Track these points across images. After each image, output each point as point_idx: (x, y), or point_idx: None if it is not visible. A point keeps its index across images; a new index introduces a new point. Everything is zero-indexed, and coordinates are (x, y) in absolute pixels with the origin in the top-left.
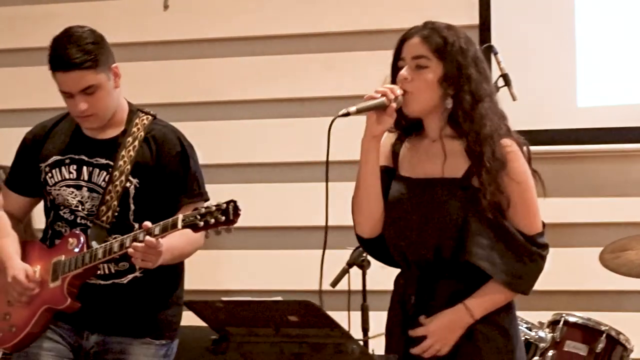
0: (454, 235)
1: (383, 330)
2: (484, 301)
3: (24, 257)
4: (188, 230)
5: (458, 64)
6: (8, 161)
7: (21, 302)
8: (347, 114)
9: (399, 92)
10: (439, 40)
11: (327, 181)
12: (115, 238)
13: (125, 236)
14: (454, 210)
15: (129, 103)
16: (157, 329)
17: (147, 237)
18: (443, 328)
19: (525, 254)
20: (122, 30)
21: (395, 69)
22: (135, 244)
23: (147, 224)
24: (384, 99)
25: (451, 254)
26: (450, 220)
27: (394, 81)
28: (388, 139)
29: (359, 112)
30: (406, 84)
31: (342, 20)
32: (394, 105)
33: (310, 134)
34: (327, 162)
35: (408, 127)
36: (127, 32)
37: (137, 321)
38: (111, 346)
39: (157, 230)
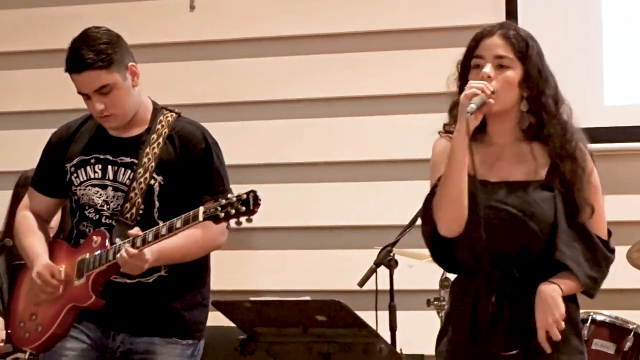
0: (546, 235)
1: (409, 329)
2: (565, 282)
3: (51, 257)
4: (195, 231)
5: (539, 68)
6: (33, 164)
7: (46, 299)
8: (474, 112)
9: (492, 88)
10: (522, 43)
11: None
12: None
13: (148, 231)
14: (547, 211)
15: (153, 102)
16: (184, 328)
17: (127, 247)
18: (549, 312)
19: (603, 260)
20: (148, 32)
21: (467, 66)
22: (121, 253)
23: (133, 232)
24: (484, 95)
25: (537, 255)
26: (544, 220)
27: (463, 79)
28: (442, 144)
29: (478, 108)
30: (489, 81)
31: (364, 21)
32: (491, 101)
33: (338, 133)
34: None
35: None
36: (153, 33)
37: (163, 321)
38: (137, 346)
39: (150, 237)
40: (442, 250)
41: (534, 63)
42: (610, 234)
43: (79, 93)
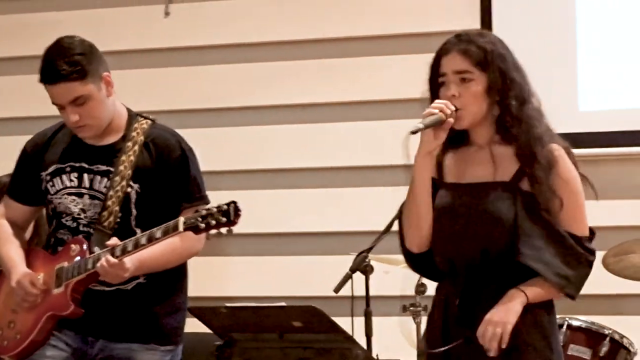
0: (504, 237)
1: (385, 335)
2: (534, 289)
3: (28, 265)
4: (173, 239)
5: (500, 71)
6: (8, 170)
7: (25, 308)
8: (418, 131)
9: (452, 107)
10: (479, 52)
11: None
12: None
13: (127, 240)
14: (505, 212)
15: (127, 109)
16: (162, 334)
17: (108, 257)
18: (500, 311)
19: (574, 257)
20: (124, 38)
21: (435, 84)
22: (101, 262)
23: (111, 242)
24: (442, 114)
25: (498, 256)
26: (500, 221)
27: (433, 96)
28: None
29: (425, 127)
30: (454, 100)
31: (341, 26)
32: (450, 120)
33: (312, 139)
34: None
35: (454, 138)
36: (128, 39)
37: (141, 327)
38: (116, 352)
39: (130, 246)
40: (421, 264)
41: (494, 68)
42: (593, 234)
43: (53, 103)
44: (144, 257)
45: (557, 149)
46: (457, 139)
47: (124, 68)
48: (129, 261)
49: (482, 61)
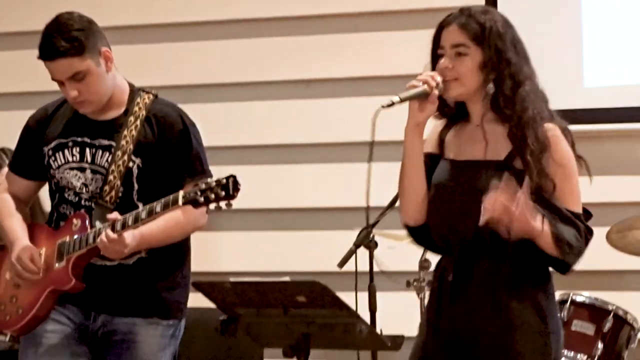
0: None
1: (389, 310)
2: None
3: (31, 240)
4: (175, 213)
5: (497, 49)
6: (12, 144)
7: (26, 283)
8: (392, 104)
9: (439, 79)
10: (477, 27)
11: (369, 173)
12: None
13: (128, 215)
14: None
15: (130, 84)
16: (164, 309)
17: (107, 231)
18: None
19: (575, 228)
20: (125, 13)
21: (435, 56)
22: (101, 237)
23: (113, 216)
24: (425, 86)
25: (489, 233)
26: None
27: (434, 68)
28: (436, 126)
29: (402, 101)
30: (447, 71)
31: (346, 2)
32: (435, 92)
33: (316, 115)
34: (371, 152)
35: (455, 114)
36: (131, 14)
37: (143, 301)
38: (118, 327)
39: (130, 221)
40: (421, 237)
41: (490, 45)
42: (589, 214)
43: (53, 79)
44: (145, 232)
45: (553, 129)
46: (460, 115)
47: (125, 43)
48: (130, 236)
49: (478, 36)
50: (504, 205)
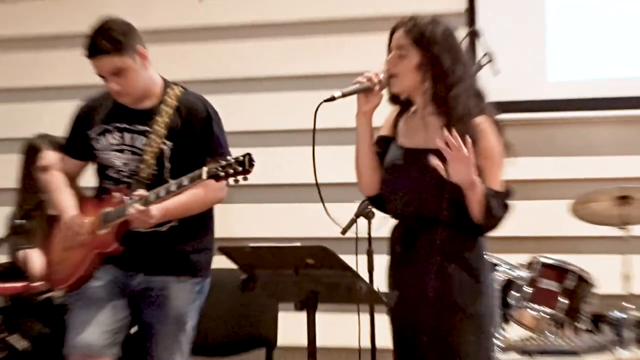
0: (435, 196)
1: (384, 271)
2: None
3: (80, 210)
4: (196, 190)
5: (432, 54)
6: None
7: (74, 247)
8: (333, 99)
9: (382, 76)
10: (417, 33)
11: (313, 155)
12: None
13: (160, 187)
14: (435, 175)
15: (163, 78)
16: (192, 269)
17: (136, 205)
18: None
19: (500, 201)
20: (159, 16)
21: (389, 53)
22: (130, 210)
23: (142, 192)
24: (369, 83)
25: (429, 211)
26: (431, 183)
27: None
28: (393, 112)
29: (344, 95)
30: (391, 68)
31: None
32: (377, 87)
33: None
34: (314, 141)
35: (405, 103)
36: (163, 18)
37: (175, 262)
38: (153, 284)
39: (162, 192)
40: (378, 203)
41: (427, 50)
42: (508, 194)
43: (97, 74)
44: (168, 205)
45: (482, 122)
46: (409, 104)
47: (159, 43)
48: (155, 209)
49: (418, 40)
50: (458, 144)
